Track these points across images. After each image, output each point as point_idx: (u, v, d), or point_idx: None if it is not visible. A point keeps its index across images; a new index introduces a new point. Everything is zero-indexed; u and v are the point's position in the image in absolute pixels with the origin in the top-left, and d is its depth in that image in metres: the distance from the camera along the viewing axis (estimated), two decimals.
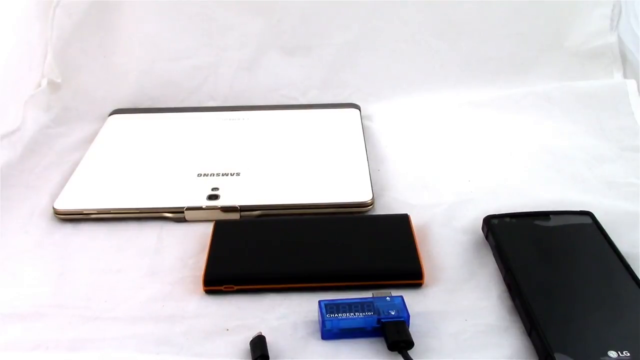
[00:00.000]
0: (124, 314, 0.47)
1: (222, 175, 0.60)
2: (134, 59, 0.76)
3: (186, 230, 0.55)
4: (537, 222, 0.53)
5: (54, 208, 0.57)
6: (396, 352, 0.42)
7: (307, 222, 0.55)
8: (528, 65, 0.77)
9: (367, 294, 0.46)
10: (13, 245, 0.54)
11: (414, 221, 0.54)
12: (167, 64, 0.77)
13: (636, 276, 0.47)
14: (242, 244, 0.52)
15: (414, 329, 0.44)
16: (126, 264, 0.52)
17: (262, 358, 0.42)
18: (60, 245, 0.54)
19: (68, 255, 0.53)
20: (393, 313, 0.44)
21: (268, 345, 0.43)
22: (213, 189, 0.58)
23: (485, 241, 0.53)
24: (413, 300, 0.46)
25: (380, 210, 0.57)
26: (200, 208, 0.56)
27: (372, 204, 0.57)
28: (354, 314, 0.44)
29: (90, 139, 0.68)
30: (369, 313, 0.44)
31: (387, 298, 0.45)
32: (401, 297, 0.45)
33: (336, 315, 0.44)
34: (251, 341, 0.43)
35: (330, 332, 0.44)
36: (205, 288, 0.48)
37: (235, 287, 0.48)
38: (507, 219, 0.53)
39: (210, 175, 0.61)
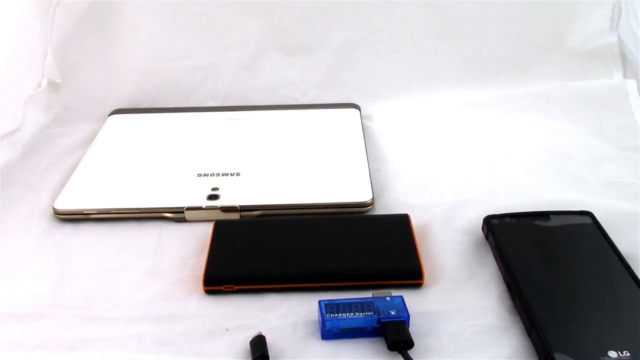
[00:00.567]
0: (124, 314, 0.47)
1: (222, 175, 0.60)
2: (133, 59, 0.76)
3: (186, 230, 0.55)
4: (537, 222, 0.53)
5: (54, 208, 0.57)
6: (396, 352, 0.42)
7: (307, 222, 0.55)
8: (528, 65, 0.77)
9: (367, 294, 0.46)
10: (13, 245, 0.54)
11: (414, 221, 0.54)
12: (167, 64, 0.77)
13: (636, 276, 0.47)
14: (242, 244, 0.52)
15: (414, 329, 0.44)
16: (126, 264, 0.52)
17: (262, 358, 0.42)
18: (60, 245, 0.54)
19: (68, 255, 0.53)
20: (393, 313, 0.44)
21: (268, 345, 0.43)
22: (213, 189, 0.58)
23: (485, 241, 0.53)
24: (413, 300, 0.46)
25: (380, 210, 0.57)
26: (200, 208, 0.56)
27: (372, 204, 0.57)
28: (354, 314, 0.44)
29: (90, 139, 0.68)
30: (369, 313, 0.44)
31: (387, 298, 0.45)
32: (401, 297, 0.45)
33: (336, 315, 0.44)
34: (251, 341, 0.43)
35: (330, 332, 0.44)
36: (205, 288, 0.48)
37: (235, 287, 0.48)
38: (507, 219, 0.53)
39: (210, 175, 0.61)
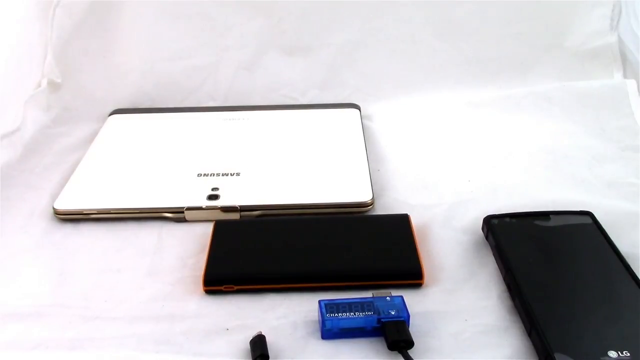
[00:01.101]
0: (124, 313, 0.47)
1: (222, 175, 0.60)
2: (134, 59, 0.76)
3: (186, 230, 0.55)
4: (537, 222, 0.53)
5: (54, 208, 0.57)
6: (396, 352, 0.42)
7: (307, 222, 0.55)
8: (528, 65, 0.77)
9: (367, 294, 0.46)
10: (13, 245, 0.54)
11: (414, 221, 0.54)
12: (167, 64, 0.77)
13: (636, 276, 0.47)
14: (242, 244, 0.52)
15: (414, 329, 0.44)
16: (126, 264, 0.52)
17: (262, 357, 0.42)
18: (60, 245, 0.54)
19: (68, 255, 0.53)
20: (393, 313, 0.44)
21: (268, 344, 0.43)
22: (213, 189, 0.58)
23: (485, 241, 0.53)
24: (413, 300, 0.46)
25: (380, 210, 0.57)
26: (200, 208, 0.56)
27: (372, 204, 0.57)
28: (354, 314, 0.44)
29: (90, 139, 0.68)
30: (369, 313, 0.44)
31: (387, 298, 0.45)
32: (401, 297, 0.45)
33: (336, 315, 0.44)
34: (251, 341, 0.43)
35: (330, 331, 0.44)
36: (205, 288, 0.48)
37: (235, 287, 0.48)
38: (507, 219, 0.53)
39: (210, 175, 0.61)
